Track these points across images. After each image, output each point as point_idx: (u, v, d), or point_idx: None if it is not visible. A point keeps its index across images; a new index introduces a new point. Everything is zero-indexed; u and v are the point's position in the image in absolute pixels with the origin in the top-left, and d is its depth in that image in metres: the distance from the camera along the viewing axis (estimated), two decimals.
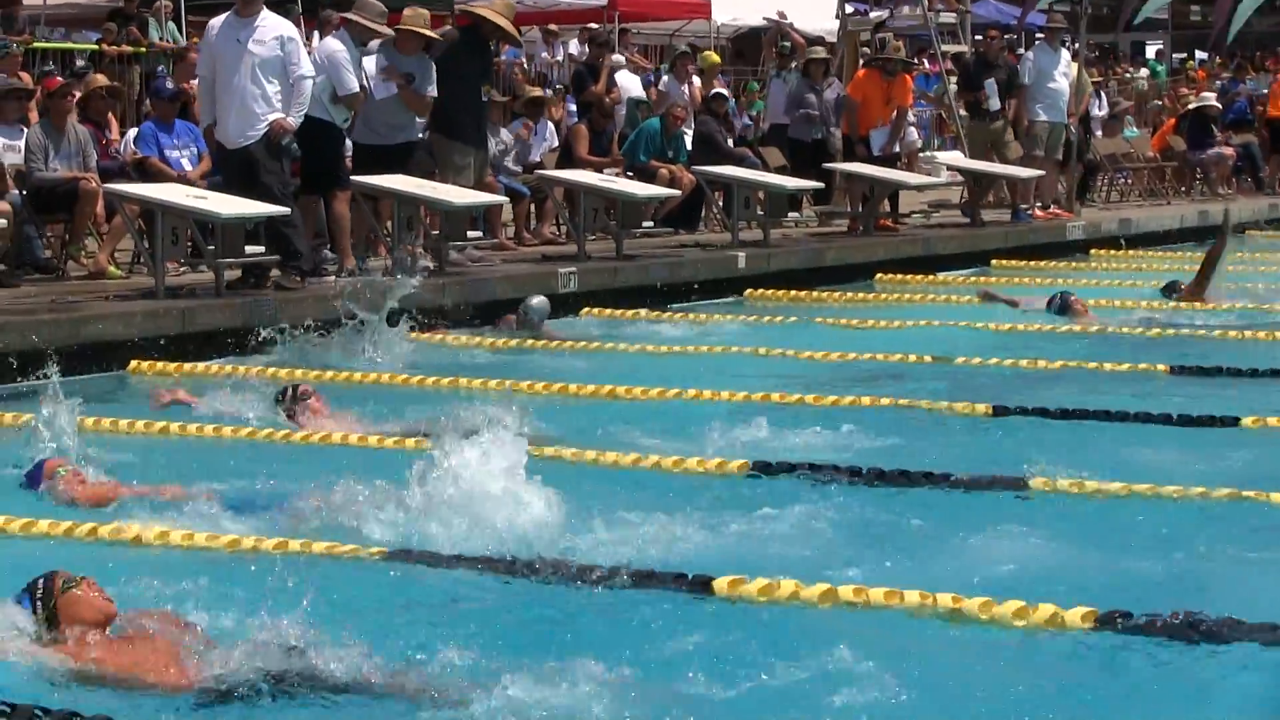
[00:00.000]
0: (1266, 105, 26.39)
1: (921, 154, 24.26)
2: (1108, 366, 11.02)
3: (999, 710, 4.89)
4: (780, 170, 18.90)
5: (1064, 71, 20.16)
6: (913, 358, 11.48)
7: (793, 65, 19.71)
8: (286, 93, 12.62)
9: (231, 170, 12.83)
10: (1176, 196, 24.78)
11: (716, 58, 23.38)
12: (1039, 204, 20.30)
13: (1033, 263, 18.41)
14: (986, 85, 19.98)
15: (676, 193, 16.87)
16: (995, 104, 20.01)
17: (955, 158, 21.69)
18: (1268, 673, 5.16)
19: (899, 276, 16.79)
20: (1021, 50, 20.47)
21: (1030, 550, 6.52)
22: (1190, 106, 25.98)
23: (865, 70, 19.62)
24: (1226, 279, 14.79)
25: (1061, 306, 13.73)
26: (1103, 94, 26.45)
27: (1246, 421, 8.85)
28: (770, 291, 15.52)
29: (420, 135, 14.63)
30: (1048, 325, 13.21)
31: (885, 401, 9.69)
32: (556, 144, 18.22)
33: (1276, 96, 25.98)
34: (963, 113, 21.60)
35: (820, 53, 19.51)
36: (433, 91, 14.06)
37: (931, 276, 16.95)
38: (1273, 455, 8.27)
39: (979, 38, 25.18)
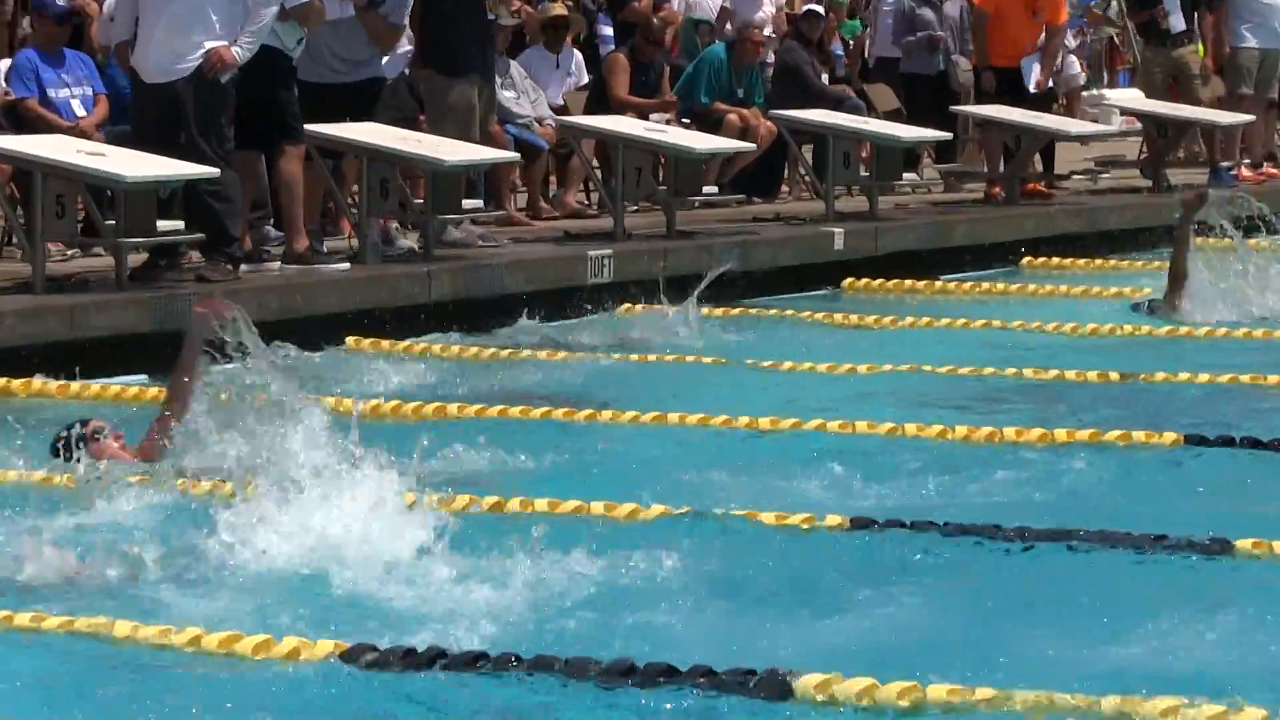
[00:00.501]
0: None
1: (1085, 93, 24.07)
2: None
3: None
4: (892, 116, 18.75)
5: None
6: (1072, 374, 11.40)
7: None
8: (233, 12, 12.53)
9: (146, 116, 12.75)
10: None
11: None
12: (1246, 161, 20.11)
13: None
14: (1167, 1, 19.81)
15: (751, 146, 16.73)
16: (1179, 23, 19.82)
17: (1132, 97, 21.47)
18: None
19: (1054, 260, 16.69)
20: None
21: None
22: None
23: None
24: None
25: None
26: None
27: None
28: (878, 282, 15.41)
29: (398, 72, 14.52)
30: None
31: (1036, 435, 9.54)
32: (585, 80, 18.09)
33: None
34: (1138, 37, 21.45)
35: None
36: (403, 20, 13.96)
37: (1100, 261, 16.83)
38: None
39: None
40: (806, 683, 5.85)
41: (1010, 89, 18.58)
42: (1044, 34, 18.90)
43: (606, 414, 10.26)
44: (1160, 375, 11.36)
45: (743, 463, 9.10)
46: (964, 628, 6.69)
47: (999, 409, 10.43)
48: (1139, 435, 9.49)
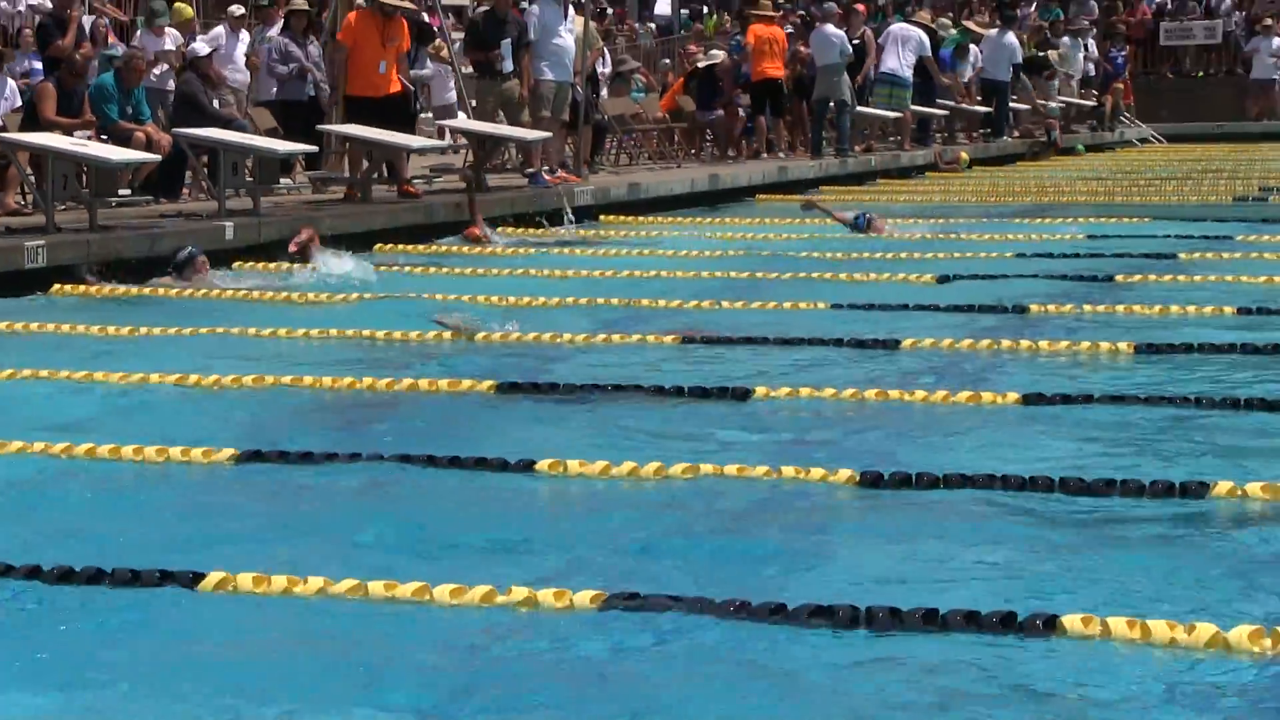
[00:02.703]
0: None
1: (423, 115, 24.45)
2: None
3: None
4: (271, 133, 18.82)
5: (569, 28, 20.64)
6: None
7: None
8: None
9: None
10: (687, 159, 25.74)
11: (190, 10, 22.99)
12: (545, 168, 20.75)
13: (541, 232, 18.88)
14: (502, 46, 20.20)
15: (156, 157, 16.61)
16: (509, 65, 20.30)
17: (462, 121, 21.91)
18: None
19: (400, 247, 16.98)
20: (526, 4, 20.90)
21: None
22: (699, 65, 26.98)
23: (358, 11, 19.21)
24: None
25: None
26: (606, 51, 27.18)
27: None
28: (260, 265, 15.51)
29: None
30: None
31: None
32: (19, 104, 17.71)
33: (759, 56, 26.74)
34: (467, 70, 21.86)
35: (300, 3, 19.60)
36: None
37: (433, 245, 17.27)
38: None
39: None
40: None
41: (374, 110, 18.55)
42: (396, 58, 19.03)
43: None
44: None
45: None
46: None
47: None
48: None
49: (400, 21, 19.09)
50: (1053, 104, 33.30)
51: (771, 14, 26.82)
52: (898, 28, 29.03)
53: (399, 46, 19.07)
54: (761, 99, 26.46)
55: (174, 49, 20.52)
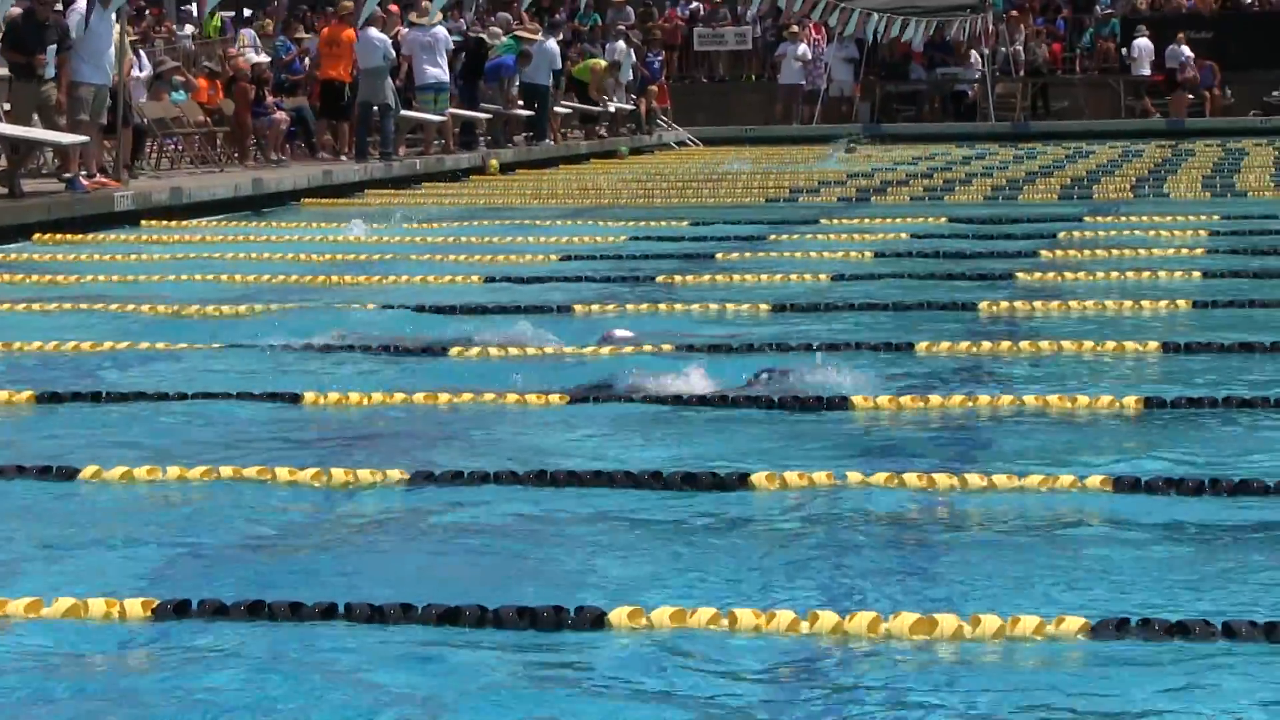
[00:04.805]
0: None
1: None
2: None
3: None
4: None
5: (110, 28, 20.19)
6: None
7: None
8: None
9: None
10: (230, 163, 25.41)
11: None
12: (84, 173, 20.25)
13: (83, 236, 18.43)
14: (48, 51, 19.51)
15: None
16: (51, 71, 19.68)
17: None
18: None
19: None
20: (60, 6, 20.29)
21: None
22: (246, 66, 26.65)
23: None
24: None
25: None
26: (142, 53, 26.62)
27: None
28: None
29: None
30: None
31: None
32: None
33: (325, 58, 26.91)
34: (3, 72, 21.17)
35: None
36: None
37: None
38: None
39: None
40: None
41: None
42: None
43: None
44: None
45: None
46: None
47: None
48: None
49: None
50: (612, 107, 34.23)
51: (349, 9, 26.64)
52: (433, 32, 29.07)
53: None
54: (327, 101, 26.45)
55: None
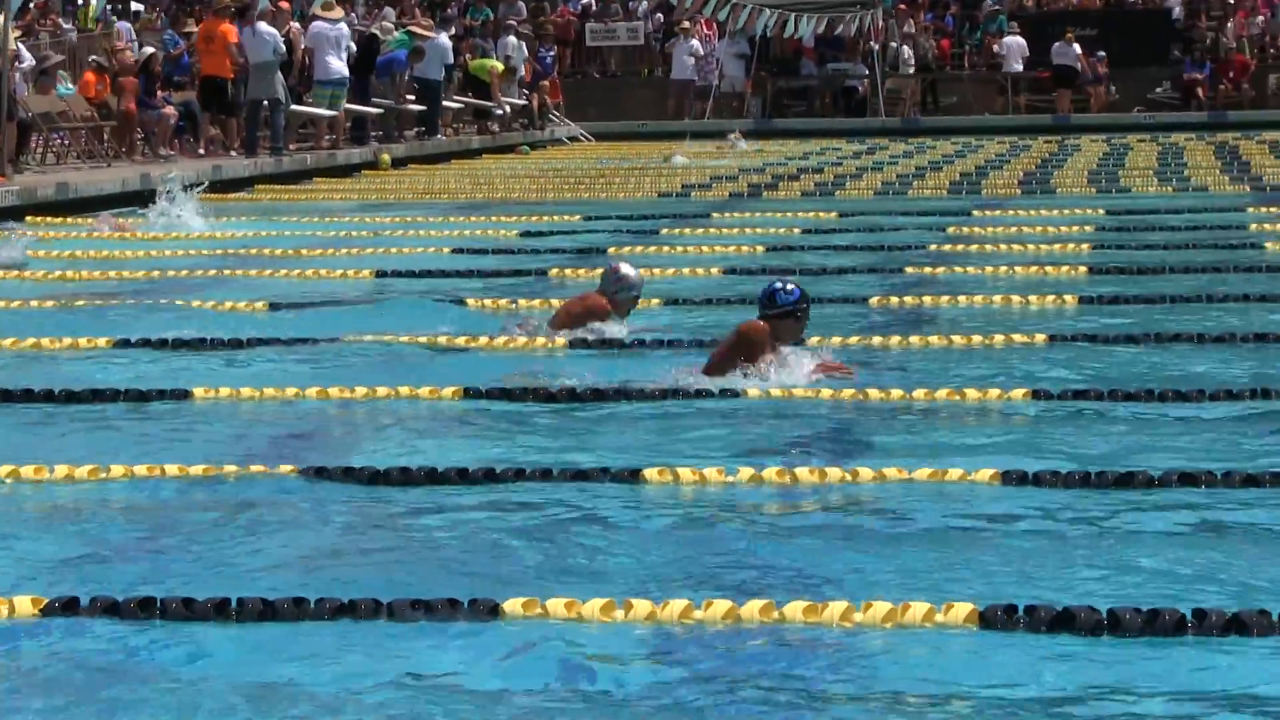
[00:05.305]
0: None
1: None
2: None
3: None
4: None
5: None
6: None
7: None
8: None
9: None
10: (118, 158, 25.17)
11: None
12: None
13: None
14: None
15: None
16: None
17: None
18: None
19: None
20: None
21: None
22: (132, 60, 26.40)
23: None
24: None
25: None
26: (22, 46, 26.29)
27: None
28: None
29: None
30: None
31: None
32: None
33: (204, 54, 26.40)
34: None
35: None
36: None
37: None
38: None
39: None
40: None
41: None
42: None
43: None
44: None
45: None
46: None
47: None
48: None
49: None
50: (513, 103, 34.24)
51: (225, 3, 26.29)
52: (339, 27, 28.88)
53: None
54: (209, 97, 26.22)
55: None
